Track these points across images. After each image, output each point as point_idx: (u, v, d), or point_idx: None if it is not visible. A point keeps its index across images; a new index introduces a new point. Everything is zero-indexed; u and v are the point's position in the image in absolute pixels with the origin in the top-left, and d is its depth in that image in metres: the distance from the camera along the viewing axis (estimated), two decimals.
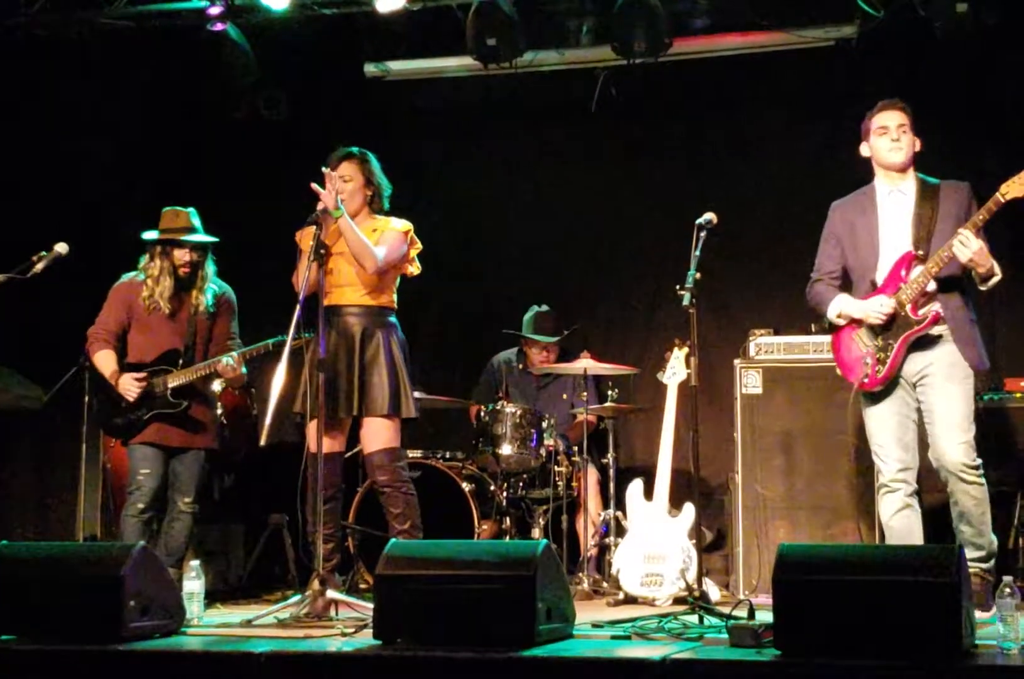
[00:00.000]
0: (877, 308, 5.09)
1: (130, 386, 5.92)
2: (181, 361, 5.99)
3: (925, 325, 5.05)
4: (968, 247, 4.89)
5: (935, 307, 5.07)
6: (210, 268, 6.09)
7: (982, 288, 5.06)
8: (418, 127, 7.79)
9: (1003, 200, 4.86)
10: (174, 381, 5.94)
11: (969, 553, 4.84)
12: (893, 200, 5.22)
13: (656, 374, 6.48)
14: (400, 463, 5.67)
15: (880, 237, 5.20)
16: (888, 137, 5.17)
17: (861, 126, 5.27)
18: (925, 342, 5.08)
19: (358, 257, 5.53)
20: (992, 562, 5.06)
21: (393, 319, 5.75)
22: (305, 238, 5.46)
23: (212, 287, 6.10)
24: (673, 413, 6.27)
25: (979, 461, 4.99)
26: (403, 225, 5.73)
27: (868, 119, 5.25)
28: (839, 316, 5.25)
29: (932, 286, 5.07)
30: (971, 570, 4.65)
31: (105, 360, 6.02)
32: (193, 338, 6.05)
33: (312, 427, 5.31)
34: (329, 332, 5.51)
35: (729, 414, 6.61)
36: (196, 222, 6.05)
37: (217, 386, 6.47)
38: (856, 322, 5.21)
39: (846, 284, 5.34)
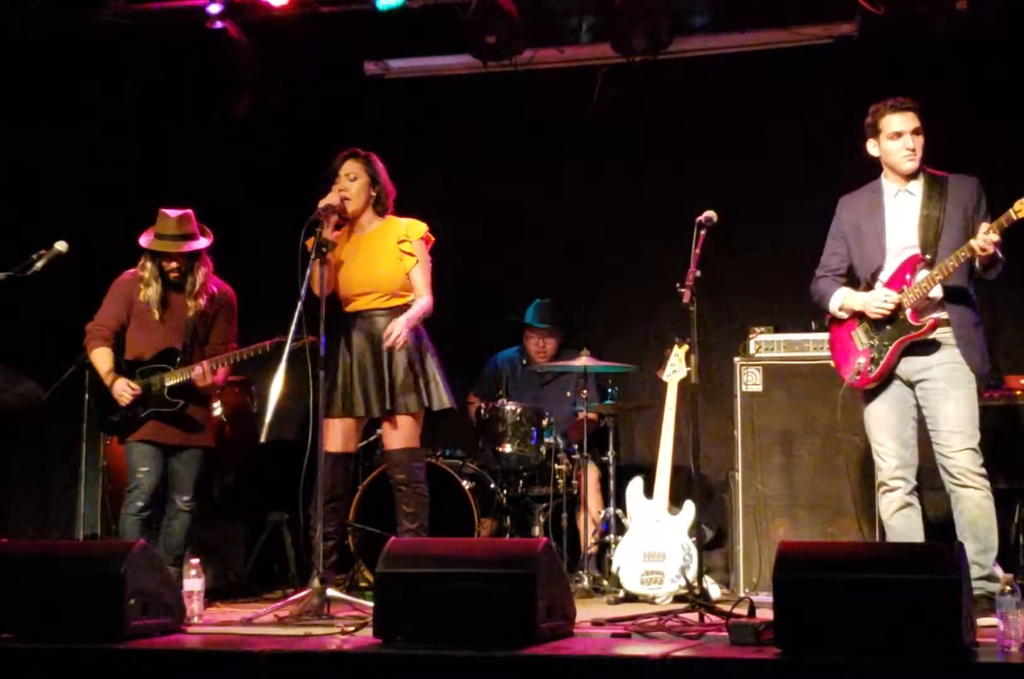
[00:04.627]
0: (881, 302, 5.00)
1: (123, 392, 5.89)
2: (179, 360, 5.97)
3: (923, 332, 4.96)
4: (988, 245, 4.71)
5: (936, 315, 4.98)
6: (202, 273, 6.02)
7: (988, 276, 4.93)
8: (417, 125, 7.78)
9: (1015, 218, 4.68)
10: (171, 380, 5.93)
11: (973, 572, 4.71)
12: (900, 201, 5.11)
13: (656, 372, 6.48)
14: (418, 463, 5.71)
15: (887, 239, 5.10)
16: (902, 144, 5.02)
17: (866, 121, 5.11)
18: (924, 346, 5.00)
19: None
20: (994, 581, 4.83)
21: None
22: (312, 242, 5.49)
23: (212, 287, 6.08)
24: (673, 411, 6.27)
25: (984, 470, 4.91)
26: (420, 230, 5.77)
27: (876, 117, 5.06)
28: (841, 309, 5.19)
29: (936, 292, 4.97)
30: (978, 593, 4.53)
31: (102, 357, 6.00)
32: (191, 338, 6.04)
33: (329, 426, 5.42)
34: (352, 334, 5.66)
35: (729, 412, 6.62)
36: (187, 227, 5.92)
37: None
38: (856, 318, 5.16)
39: (851, 282, 5.26)
